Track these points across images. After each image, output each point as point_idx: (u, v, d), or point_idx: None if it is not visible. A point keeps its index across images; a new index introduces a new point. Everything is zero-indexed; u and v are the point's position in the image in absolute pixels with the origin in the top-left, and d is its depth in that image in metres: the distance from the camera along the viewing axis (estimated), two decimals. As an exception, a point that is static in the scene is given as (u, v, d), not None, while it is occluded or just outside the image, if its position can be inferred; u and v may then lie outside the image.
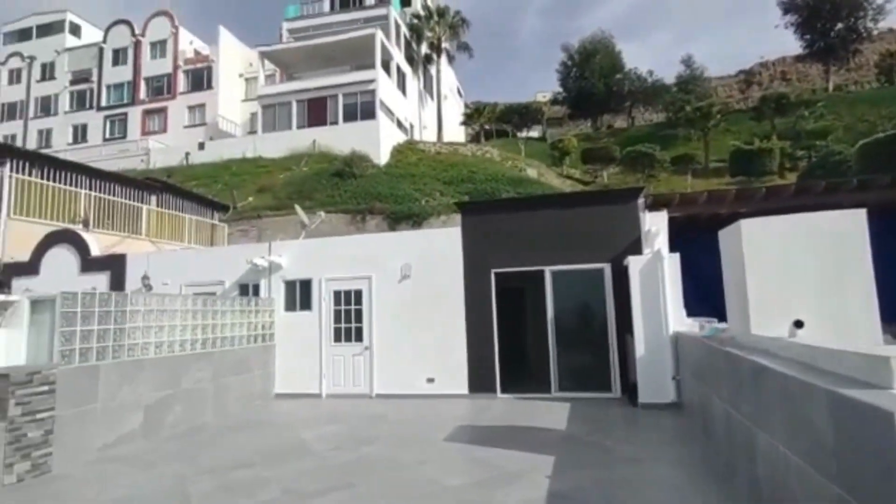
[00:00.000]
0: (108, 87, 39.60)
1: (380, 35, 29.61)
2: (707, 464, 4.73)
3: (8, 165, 11.64)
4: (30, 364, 6.55)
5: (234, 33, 39.28)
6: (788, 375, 2.79)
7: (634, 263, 7.64)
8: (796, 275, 3.84)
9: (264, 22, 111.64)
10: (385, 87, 29.42)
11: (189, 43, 39.43)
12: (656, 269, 7.48)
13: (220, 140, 33.06)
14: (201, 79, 37.74)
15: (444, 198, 22.33)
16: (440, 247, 9.22)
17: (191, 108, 37.40)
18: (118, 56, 39.79)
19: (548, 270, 8.70)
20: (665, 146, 34.17)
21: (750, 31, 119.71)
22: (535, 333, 9.50)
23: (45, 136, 40.06)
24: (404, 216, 20.69)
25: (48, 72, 41.32)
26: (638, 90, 48.90)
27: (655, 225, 8.36)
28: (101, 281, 10.64)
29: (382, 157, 27.32)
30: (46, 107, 40.83)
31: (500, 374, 8.73)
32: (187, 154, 31.10)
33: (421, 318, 9.07)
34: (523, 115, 49.38)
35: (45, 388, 5.26)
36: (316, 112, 29.42)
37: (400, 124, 31.56)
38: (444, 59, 39.12)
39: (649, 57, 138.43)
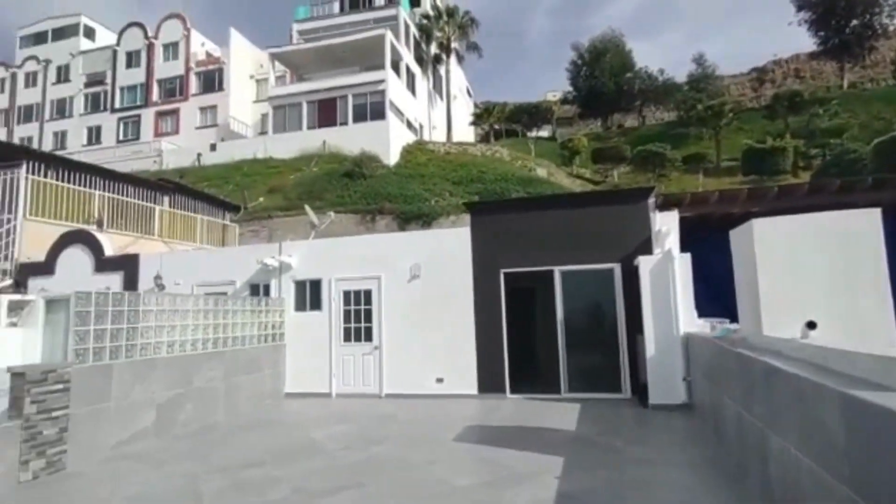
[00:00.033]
0: (122, 89, 40.10)
1: (389, 36, 29.69)
2: (718, 465, 4.69)
3: (24, 167, 11.83)
4: (45, 363, 6.65)
5: (244, 35, 39.64)
6: (800, 377, 2.76)
7: (645, 263, 7.60)
8: (809, 275, 3.80)
9: (275, 23, 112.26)
10: (394, 88, 29.49)
11: (201, 45, 39.82)
12: (667, 269, 7.43)
13: (231, 141, 33.35)
14: (213, 80, 38.09)
15: (453, 198, 22.34)
16: (449, 247, 9.22)
17: (202, 109, 37.76)
18: (131, 58, 40.28)
19: (557, 270, 8.67)
20: (676, 145, 33.90)
21: (763, 28, 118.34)
22: (545, 334, 9.46)
23: (61, 137, 40.67)
24: (414, 216, 20.73)
25: (63, 74, 41.93)
26: (649, 89, 48.53)
27: (666, 225, 8.30)
28: (114, 281, 10.78)
29: (392, 158, 27.39)
30: (62, 109, 41.45)
31: (510, 374, 8.72)
32: (199, 155, 31.39)
33: (430, 318, 9.08)
34: (533, 114, 49.22)
35: (60, 386, 5.33)
36: (326, 113, 29.56)
37: (409, 125, 31.61)
38: (453, 59, 39.16)
39: (660, 56, 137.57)
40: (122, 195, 13.70)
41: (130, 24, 40.92)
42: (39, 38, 43.70)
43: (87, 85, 41.06)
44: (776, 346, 3.73)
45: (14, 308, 8.97)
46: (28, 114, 42.18)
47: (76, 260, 11.27)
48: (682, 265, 7.41)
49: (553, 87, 61.51)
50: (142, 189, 14.39)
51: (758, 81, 51.82)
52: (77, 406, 5.50)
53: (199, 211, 15.81)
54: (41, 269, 11.33)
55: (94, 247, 11.29)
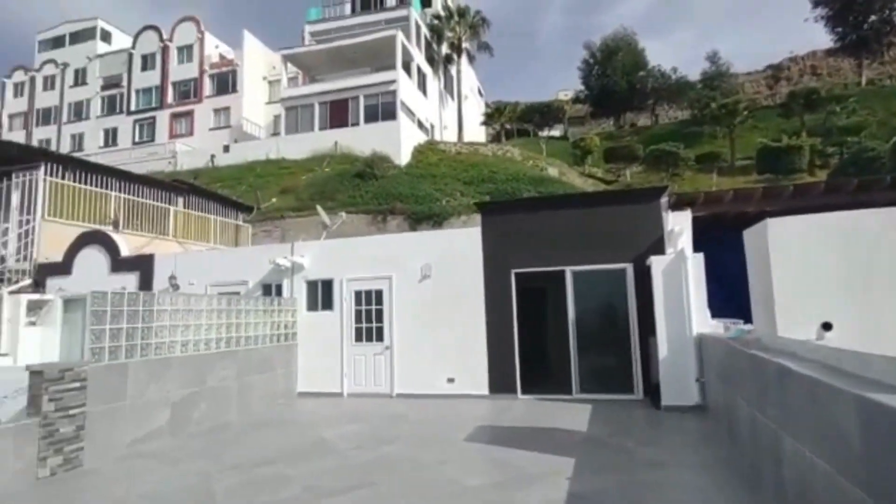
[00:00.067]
0: (138, 91, 40.66)
1: (400, 36, 29.76)
2: (732, 467, 4.64)
3: (42, 169, 12.04)
4: (63, 361, 6.78)
5: (257, 37, 39.96)
6: (814, 378, 2.72)
7: (657, 263, 7.54)
8: (825, 275, 3.74)
9: (287, 25, 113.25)
10: (406, 88, 29.55)
11: (214, 47, 40.24)
12: (679, 269, 7.37)
13: (244, 142, 33.66)
14: (226, 82, 38.48)
15: (464, 198, 22.32)
16: (460, 247, 9.22)
17: (216, 111, 38.15)
18: (147, 61, 40.83)
19: (569, 270, 8.63)
20: (690, 144, 33.57)
21: (778, 25, 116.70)
22: (556, 334, 9.43)
23: (78, 139, 41.35)
24: (425, 216, 20.75)
25: (80, 77, 42.64)
26: (661, 87, 48.10)
27: (679, 224, 8.23)
28: (130, 281, 10.94)
29: (403, 158, 27.45)
30: (79, 111, 42.14)
31: (521, 374, 8.70)
32: (213, 156, 31.72)
33: (441, 318, 9.09)
34: (545, 114, 49.04)
35: (77, 384, 5.42)
36: (337, 113, 29.70)
37: (420, 125, 31.66)
38: (464, 59, 39.12)
39: (673, 54, 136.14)
40: (138, 196, 13.89)
41: (146, 28, 41.50)
42: (57, 42, 44.48)
43: (104, 88, 41.70)
44: (790, 348, 3.68)
45: (33, 307, 9.15)
46: (46, 116, 42.96)
47: (93, 260, 11.45)
48: (695, 265, 7.34)
49: (565, 86, 61.23)
50: (157, 190, 14.58)
51: (773, 79, 51.12)
52: (93, 404, 5.59)
53: (213, 212, 15.98)
54: (59, 270, 11.53)
55: (111, 247, 11.46)
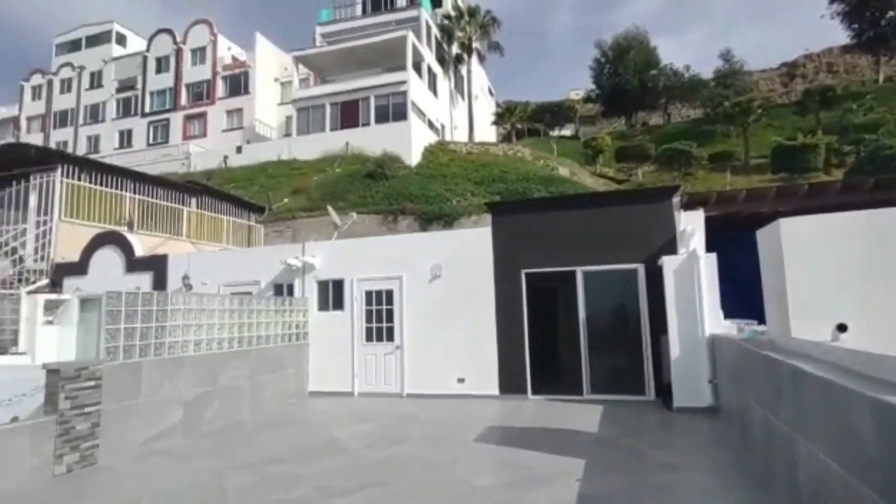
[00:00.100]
0: (152, 93, 41.15)
1: (411, 37, 29.81)
2: (744, 470, 4.59)
3: (59, 170, 12.25)
4: (79, 360, 6.88)
5: (269, 39, 40.24)
6: (828, 380, 2.69)
7: (669, 264, 7.48)
8: (840, 276, 3.69)
9: (299, 26, 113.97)
10: (416, 89, 29.59)
11: (227, 49, 40.60)
12: (692, 269, 7.30)
13: (256, 143, 33.93)
14: (239, 84, 38.81)
15: (475, 198, 22.30)
16: (470, 247, 9.22)
17: (229, 112, 38.50)
18: (161, 64, 41.31)
19: (579, 271, 8.59)
20: (703, 143, 33.23)
21: (793, 22, 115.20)
22: (567, 334, 9.39)
23: (94, 141, 41.95)
24: (435, 216, 20.77)
25: (96, 80, 43.25)
26: (674, 86, 47.64)
27: (691, 224, 8.16)
28: (144, 280, 11.08)
29: (414, 158, 27.49)
30: (95, 114, 42.75)
31: (531, 375, 8.68)
32: (225, 157, 32.01)
33: (451, 318, 9.09)
34: (555, 113, 48.83)
35: (92, 383, 5.51)
36: (348, 114, 29.83)
37: (431, 125, 31.69)
38: (474, 58, 39.09)
39: (686, 52, 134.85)
40: (152, 197, 14.07)
41: (160, 31, 41.98)
42: (74, 46, 45.18)
43: (119, 90, 42.25)
44: (805, 350, 3.63)
45: (50, 307, 9.31)
46: (63, 119, 43.65)
47: (108, 260, 11.62)
48: (708, 265, 7.27)
49: (576, 85, 60.86)
50: (170, 191, 14.76)
51: (788, 76, 50.35)
52: (108, 402, 5.67)
53: (226, 212, 16.14)
54: (75, 269, 11.72)
55: (126, 247, 11.62)
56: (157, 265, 11.24)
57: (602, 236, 8.52)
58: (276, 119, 38.31)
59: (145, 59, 41.58)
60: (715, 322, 7.18)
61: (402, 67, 29.19)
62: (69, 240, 11.99)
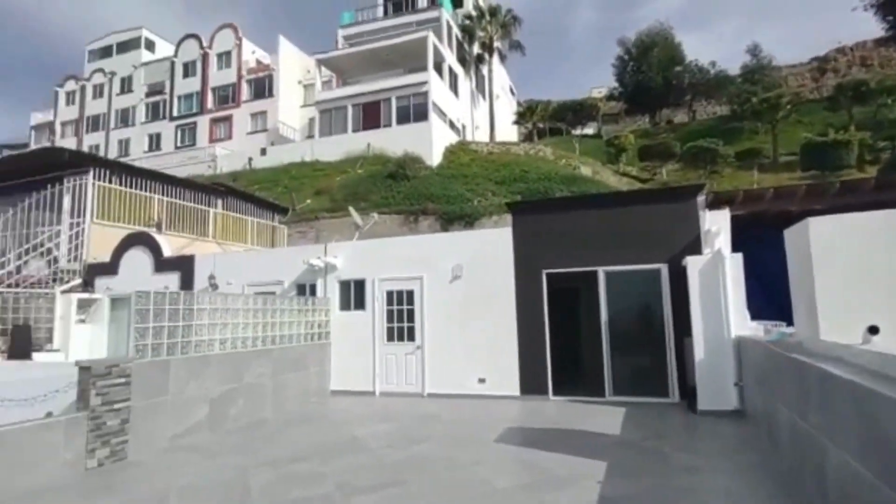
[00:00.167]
0: (179, 97, 42.16)
1: (432, 38, 29.90)
2: (770, 474, 4.49)
3: (91, 173, 12.64)
4: (110, 357, 7.09)
5: (293, 42, 40.82)
6: (857, 384, 2.61)
7: (693, 264, 7.35)
8: (871, 276, 3.58)
9: (321, 29, 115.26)
10: (437, 89, 29.66)
11: (251, 53, 41.34)
12: (717, 269, 7.16)
13: (280, 145, 34.47)
14: (263, 87, 39.47)
15: (496, 198, 22.25)
16: (491, 247, 9.20)
17: (253, 115, 39.19)
18: (188, 68, 42.29)
19: (601, 271, 8.50)
20: (729, 140, 32.53)
21: (823, 15, 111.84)
22: (589, 335, 9.30)
23: (125, 145, 43.16)
24: (456, 217, 20.78)
25: (126, 85, 44.50)
26: (699, 83, 46.72)
27: (716, 224, 8.01)
28: (172, 280, 11.35)
29: (435, 159, 27.56)
30: (125, 118, 44.00)
31: (552, 376, 8.62)
32: (250, 159, 32.59)
33: (472, 318, 9.09)
34: (578, 112, 48.32)
35: (122, 380, 5.67)
36: (370, 115, 30.07)
37: (452, 125, 31.73)
38: (496, 58, 39.00)
39: (712, 48, 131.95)
40: (179, 199, 14.40)
41: (187, 36, 42.97)
42: (105, 52, 46.53)
43: (148, 95, 43.41)
44: (834, 352, 3.53)
45: (83, 306, 9.62)
46: (95, 123, 45.01)
47: (138, 261, 11.94)
48: (734, 266, 7.12)
49: (598, 83, 60.29)
50: (197, 193, 15.08)
51: (818, 71, 48.93)
52: (137, 399, 5.83)
53: (250, 213, 16.43)
54: (106, 270, 12.07)
55: (154, 248, 11.93)
56: (184, 265, 11.50)
57: (624, 236, 8.42)
58: (300, 121, 38.85)
59: (173, 64, 42.61)
60: (741, 323, 7.03)
61: (424, 68, 29.29)
62: (100, 241, 12.36)
